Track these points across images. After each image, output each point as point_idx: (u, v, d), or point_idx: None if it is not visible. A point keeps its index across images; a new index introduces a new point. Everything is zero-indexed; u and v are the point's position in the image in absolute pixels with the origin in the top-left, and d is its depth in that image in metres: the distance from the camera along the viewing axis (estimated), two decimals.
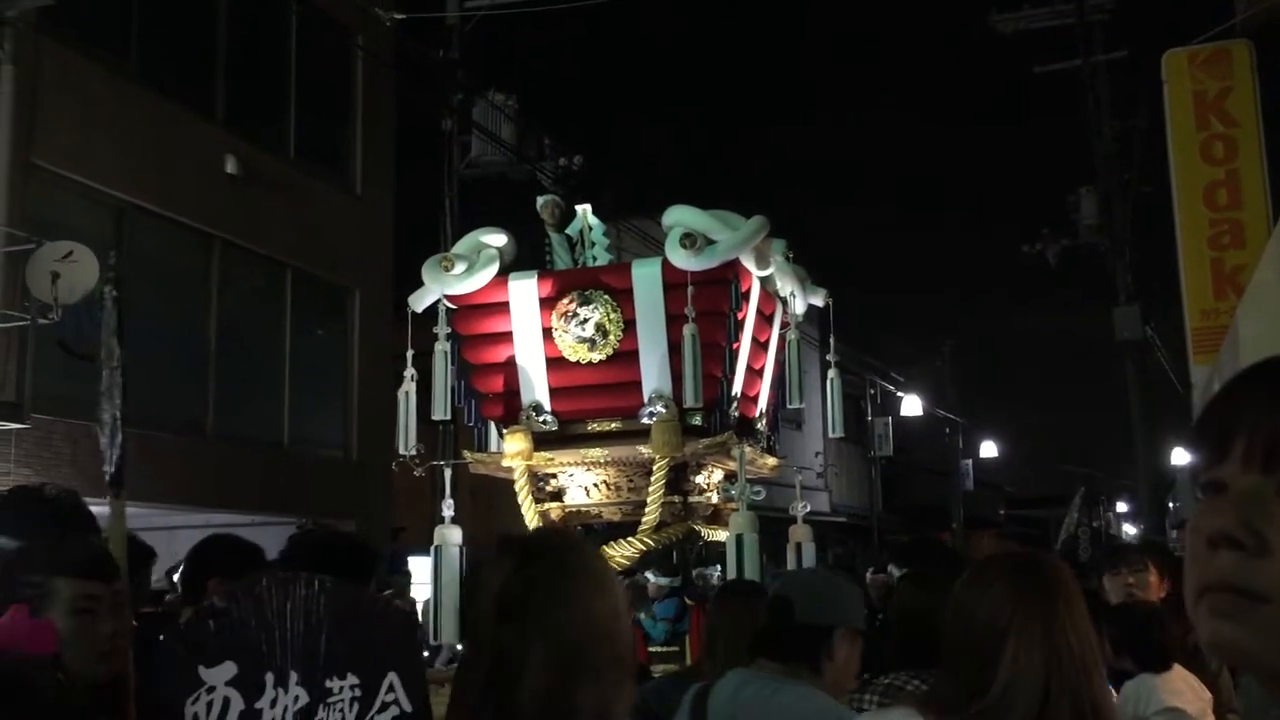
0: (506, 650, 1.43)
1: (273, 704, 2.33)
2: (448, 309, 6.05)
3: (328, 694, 2.41)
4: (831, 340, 6.57)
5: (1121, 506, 41.41)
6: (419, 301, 6.12)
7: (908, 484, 28.85)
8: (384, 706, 2.44)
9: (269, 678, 2.36)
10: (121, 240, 11.32)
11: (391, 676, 2.53)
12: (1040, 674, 1.91)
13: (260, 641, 2.36)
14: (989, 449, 31.57)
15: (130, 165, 11.44)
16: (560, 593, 1.45)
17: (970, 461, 29.60)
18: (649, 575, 7.08)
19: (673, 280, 5.57)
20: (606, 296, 5.71)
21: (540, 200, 6.22)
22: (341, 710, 2.40)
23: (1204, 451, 0.90)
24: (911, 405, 25.38)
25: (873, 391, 24.90)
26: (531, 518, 5.85)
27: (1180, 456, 19.16)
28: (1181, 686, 3.86)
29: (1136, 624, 4.05)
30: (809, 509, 6.68)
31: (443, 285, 5.95)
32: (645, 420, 5.61)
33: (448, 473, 6.36)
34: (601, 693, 1.44)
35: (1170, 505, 16.84)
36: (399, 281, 13.53)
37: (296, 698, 2.37)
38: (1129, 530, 38.80)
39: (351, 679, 2.43)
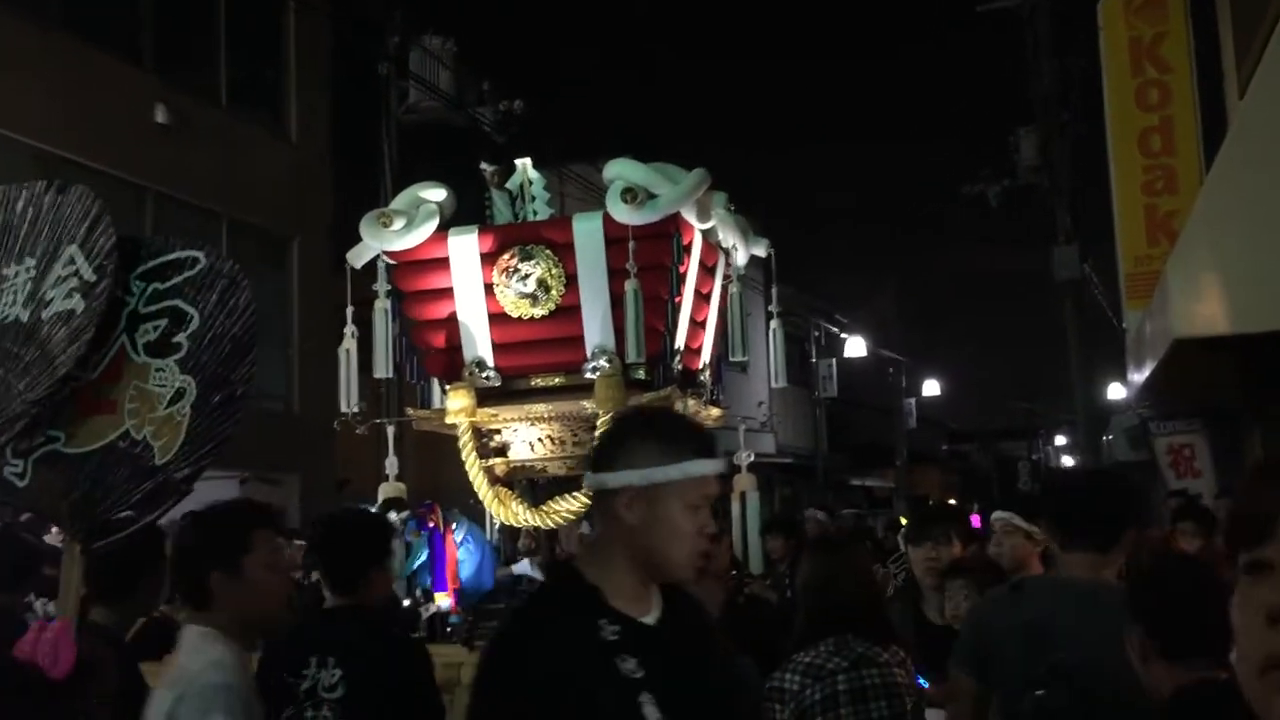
0: None
1: None
2: (387, 265, 5.98)
3: (2, 280, 2.53)
4: (774, 290, 6.59)
5: (1060, 440, 42.34)
6: (358, 258, 6.04)
7: (852, 424, 29.20)
8: (60, 280, 2.58)
9: None
10: None
11: (71, 250, 2.68)
12: None
13: None
14: (931, 387, 31.98)
15: (54, 116, 11.11)
16: None
17: (913, 400, 29.98)
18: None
19: (614, 234, 5.53)
20: (548, 251, 5.66)
21: (484, 167, 6.14)
22: (14, 292, 2.53)
23: (1245, 535, 0.94)
24: (855, 346, 25.62)
25: (817, 334, 25.09)
26: (476, 474, 5.85)
27: (1116, 392, 19.55)
28: None
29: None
30: (752, 458, 6.75)
31: (381, 242, 5.86)
32: (588, 375, 5.60)
33: (390, 430, 6.33)
34: None
35: (1105, 440, 17.22)
36: (339, 230, 13.33)
37: None
38: (1067, 461, 39.72)
39: (28, 261, 2.57)
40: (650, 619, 1.97)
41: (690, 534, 1.97)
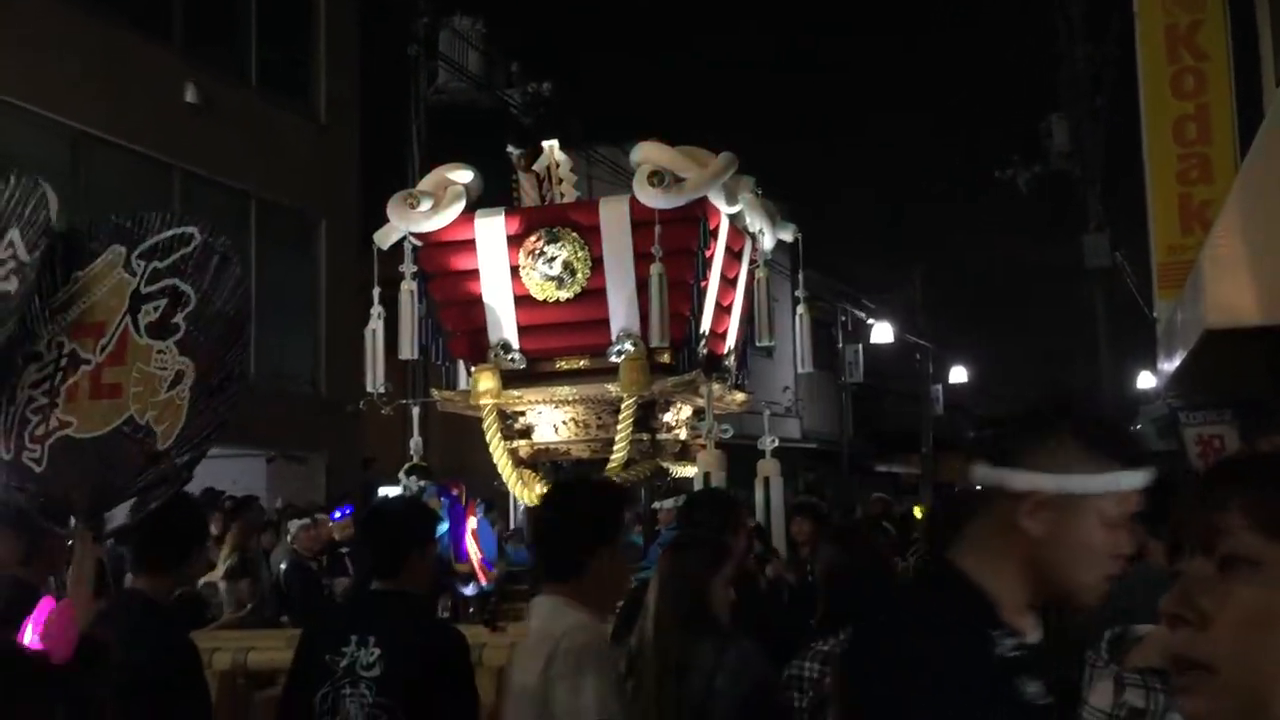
0: None
1: None
2: (414, 246, 5.99)
3: None
4: (801, 276, 6.57)
5: None
6: (385, 239, 6.06)
7: (878, 410, 29.07)
8: (0, 264, 2.68)
9: None
10: (78, 171, 11.11)
11: (12, 234, 2.74)
12: None
13: None
14: (959, 374, 31.77)
15: (85, 94, 11.17)
16: None
17: (940, 386, 29.79)
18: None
19: (640, 218, 5.53)
20: (574, 234, 5.66)
21: (511, 149, 6.15)
22: None
23: (1174, 555, 1.04)
24: (882, 332, 25.46)
25: (844, 319, 24.96)
26: (500, 456, 5.87)
27: (1146, 382, 19.37)
28: None
29: None
30: (776, 443, 6.75)
31: (408, 223, 5.88)
32: (613, 358, 5.61)
33: (415, 411, 6.36)
34: None
35: (1134, 429, 17.09)
36: (367, 211, 13.36)
37: None
38: None
39: None
40: (1033, 640, 1.66)
41: (1104, 556, 1.62)
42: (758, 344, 6.44)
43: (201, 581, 6.46)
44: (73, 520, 2.73)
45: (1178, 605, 0.95)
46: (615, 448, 5.63)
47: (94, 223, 3.08)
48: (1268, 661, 0.90)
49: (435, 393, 6.17)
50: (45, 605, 2.51)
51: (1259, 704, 0.90)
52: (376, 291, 6.07)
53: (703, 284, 5.74)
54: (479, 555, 6.29)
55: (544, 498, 3.01)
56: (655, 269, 5.35)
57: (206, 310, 2.81)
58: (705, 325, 5.89)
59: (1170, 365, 5.42)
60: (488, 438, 5.87)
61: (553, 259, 5.67)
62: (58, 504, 2.75)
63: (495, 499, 10.00)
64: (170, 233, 2.89)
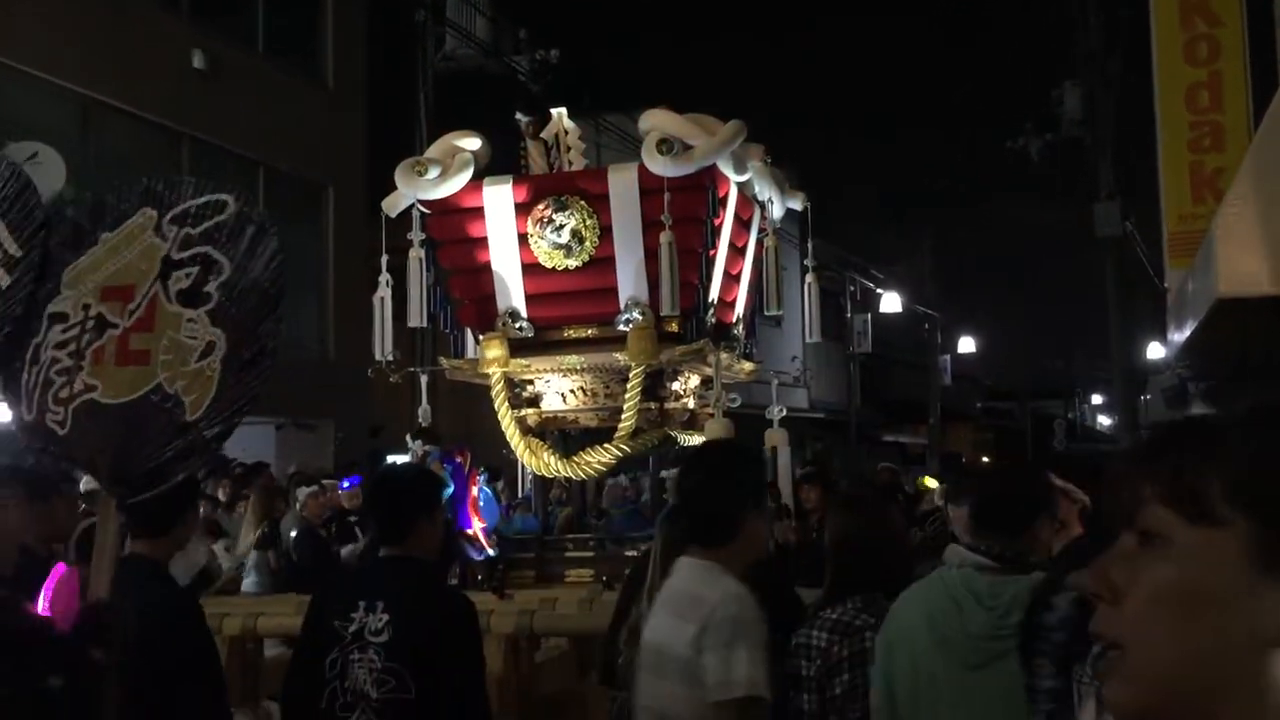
0: None
1: None
2: (422, 214, 5.98)
3: None
4: (809, 245, 6.55)
5: (1096, 398, 41.95)
6: (392, 206, 6.05)
7: (886, 379, 29.04)
8: None
9: None
10: (87, 138, 11.09)
11: None
12: None
13: None
14: (967, 344, 31.71)
15: (93, 60, 11.14)
16: None
17: (948, 356, 29.74)
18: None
19: (649, 186, 5.50)
20: (582, 202, 5.65)
21: (519, 116, 6.12)
22: None
23: (1110, 531, 0.97)
24: (891, 302, 25.39)
25: (852, 288, 24.90)
26: (508, 424, 5.88)
27: (1155, 352, 19.33)
28: None
29: None
30: (784, 413, 6.75)
31: (416, 190, 5.87)
32: (621, 327, 5.61)
33: (424, 379, 6.37)
34: None
35: (1143, 399, 17.06)
36: (374, 178, 13.32)
37: None
38: (1104, 421, 39.37)
39: None
40: None
41: None
42: (766, 313, 6.43)
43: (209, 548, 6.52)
44: (84, 478, 2.74)
45: (1094, 580, 0.91)
46: (623, 416, 5.64)
47: (124, 185, 3.02)
48: (1174, 641, 0.86)
49: (443, 361, 6.18)
50: (57, 573, 2.54)
51: (1167, 688, 0.86)
52: (384, 259, 6.06)
53: (711, 252, 5.72)
54: (481, 524, 6.33)
55: (693, 460, 2.97)
56: (664, 237, 5.34)
57: (240, 281, 2.76)
58: (714, 294, 5.89)
59: (1180, 335, 5.40)
60: (496, 406, 5.88)
61: (561, 227, 5.66)
62: (79, 467, 2.75)
63: (503, 467, 10.03)
64: (204, 199, 2.84)
